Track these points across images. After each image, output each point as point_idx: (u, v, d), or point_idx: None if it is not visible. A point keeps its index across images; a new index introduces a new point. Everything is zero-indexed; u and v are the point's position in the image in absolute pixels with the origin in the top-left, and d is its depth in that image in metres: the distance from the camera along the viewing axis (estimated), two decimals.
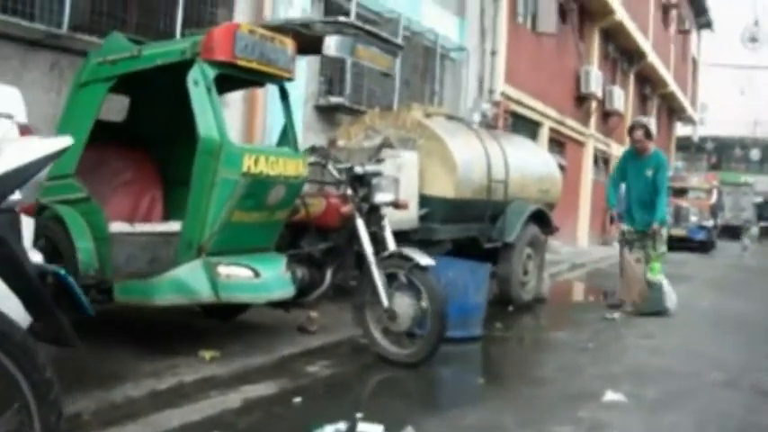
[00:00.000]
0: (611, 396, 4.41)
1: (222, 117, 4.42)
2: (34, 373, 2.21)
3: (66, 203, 4.67)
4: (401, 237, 6.74)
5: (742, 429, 4.14)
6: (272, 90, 7.67)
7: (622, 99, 19.39)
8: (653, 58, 21.50)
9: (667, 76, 24.20)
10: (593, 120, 18.23)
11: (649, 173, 7.87)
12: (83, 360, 4.24)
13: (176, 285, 4.47)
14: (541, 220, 8.22)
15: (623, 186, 8.42)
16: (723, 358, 5.76)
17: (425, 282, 4.85)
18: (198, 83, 4.40)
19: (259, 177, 4.43)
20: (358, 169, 5.19)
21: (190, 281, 4.45)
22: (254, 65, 4.55)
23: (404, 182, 6.60)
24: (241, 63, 4.47)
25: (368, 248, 5.06)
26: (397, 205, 5.47)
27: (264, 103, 7.64)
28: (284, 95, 5.02)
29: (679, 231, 20.89)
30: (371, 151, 6.49)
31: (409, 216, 6.75)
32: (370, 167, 5.26)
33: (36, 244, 4.71)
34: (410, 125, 7.15)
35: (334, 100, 8.60)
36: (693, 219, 21.13)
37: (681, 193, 23.27)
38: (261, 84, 5.17)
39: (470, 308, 5.97)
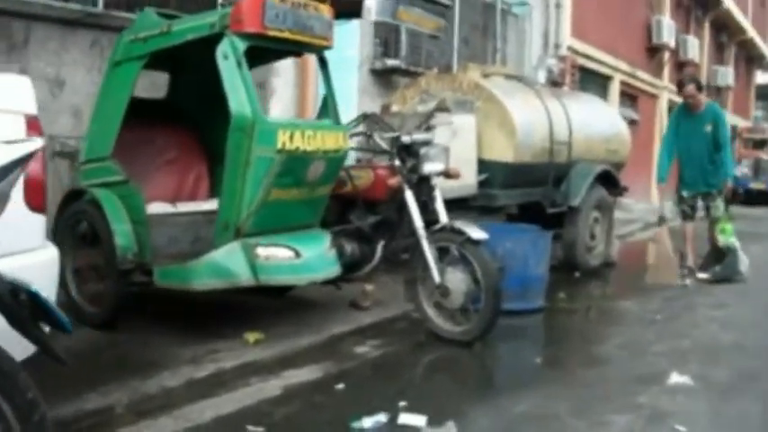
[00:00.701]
0: (676, 378, 3.98)
1: (254, 91, 4.10)
2: (16, 396, 1.98)
3: (105, 186, 4.46)
4: (460, 204, 6.42)
5: None
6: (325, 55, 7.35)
7: (697, 48, 18.24)
8: (729, 3, 20.10)
9: (745, 22, 22.64)
10: (667, 71, 17.21)
11: (708, 128, 7.19)
12: (123, 347, 4.10)
13: (214, 269, 4.22)
14: (609, 181, 7.67)
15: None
16: None
17: (478, 256, 4.48)
18: (228, 57, 4.08)
19: (295, 153, 4.11)
20: (405, 138, 4.81)
21: (228, 264, 4.19)
22: (286, 35, 4.19)
23: (460, 147, 6.24)
24: (272, 33, 4.12)
25: (418, 222, 4.71)
26: (448, 175, 5.08)
27: (317, 70, 7.28)
28: (323, 65, 4.66)
29: (759, 185, 19.79)
30: (423, 117, 6.08)
31: (468, 182, 6.36)
32: (419, 136, 4.87)
33: (77, 229, 4.65)
34: (467, 87, 6.70)
35: (391, 63, 8.16)
36: None
37: (761, 144, 22.02)
38: (299, 54, 4.81)
39: (531, 279, 5.56)
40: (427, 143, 4.84)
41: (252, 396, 3.71)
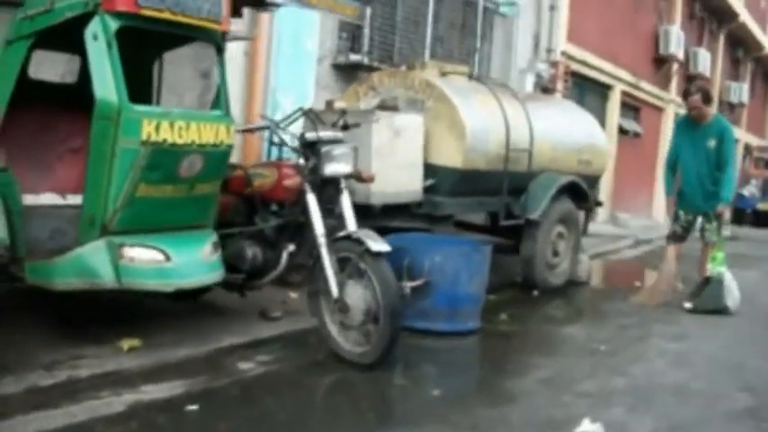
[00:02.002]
0: (586, 427, 3.37)
1: (122, 77, 3.59)
2: None
3: None
4: (403, 210, 5.87)
5: None
6: (277, 43, 6.84)
7: (708, 61, 17.46)
8: (746, 17, 19.28)
9: (763, 37, 21.76)
10: (675, 84, 16.46)
11: (712, 143, 6.51)
12: None
13: (77, 267, 3.76)
14: (578, 193, 7.05)
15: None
16: (762, 374, 4.60)
17: (377, 271, 3.94)
18: (97, 37, 3.60)
19: (162, 146, 3.60)
20: (309, 135, 4.26)
21: (91, 263, 3.73)
22: (166, 15, 3.65)
23: (403, 149, 5.71)
24: (148, 13, 3.59)
25: (318, 228, 4.17)
26: (360, 178, 4.54)
27: (267, 58, 6.77)
28: (219, 51, 4.12)
29: (767, 206, 18.98)
30: (360, 114, 5.52)
31: (412, 188, 5.83)
32: (325, 133, 4.31)
33: None
34: (418, 85, 6.12)
35: (354, 58, 7.62)
36: None
37: None
38: (193, 39, 4.27)
39: (462, 298, 4.98)
40: (335, 142, 4.28)
41: (91, 412, 3.24)
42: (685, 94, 6.75)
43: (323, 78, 7.46)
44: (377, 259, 3.94)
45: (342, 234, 4.14)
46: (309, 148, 4.26)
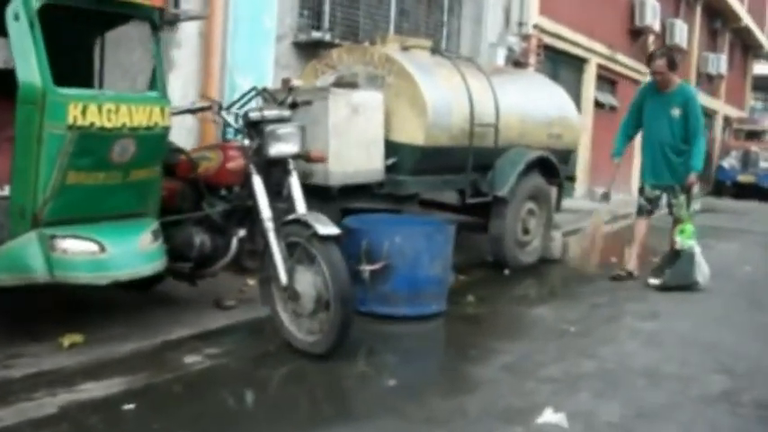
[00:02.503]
0: (548, 417, 3.21)
1: (46, 59, 3.35)
2: None
3: None
4: (365, 191, 5.67)
5: None
6: (234, 22, 6.57)
7: (686, 33, 17.26)
8: None
9: (741, 9, 21.56)
10: None
11: (676, 112, 6.26)
12: None
13: (8, 262, 3.55)
14: (548, 168, 6.86)
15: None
16: (737, 354, 4.44)
17: (326, 255, 3.74)
18: (18, 17, 3.35)
19: (90, 131, 3.37)
20: (253, 115, 4.03)
21: (23, 256, 3.52)
22: None
23: (363, 127, 5.50)
24: None
25: (265, 212, 3.97)
26: (309, 158, 4.33)
27: (223, 38, 6.50)
28: (154, 28, 3.87)
29: (747, 177, 18.93)
30: (315, 92, 5.29)
31: (373, 167, 5.62)
32: (270, 113, 4.08)
33: None
34: (378, 60, 5.89)
35: (317, 35, 7.35)
36: (764, 164, 18.97)
37: (752, 135, 21.09)
38: (128, 17, 4.03)
39: (423, 280, 4.78)
40: (281, 121, 4.05)
41: (20, 414, 3.03)
42: (649, 59, 6.47)
43: (283, 57, 7.20)
44: (325, 243, 3.74)
45: (290, 218, 3.93)
46: (254, 129, 4.03)
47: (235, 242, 4.31)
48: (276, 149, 3.97)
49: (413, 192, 5.87)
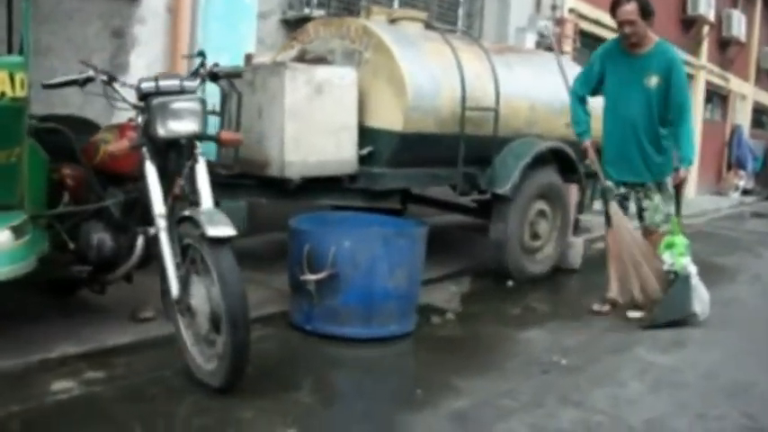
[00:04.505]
0: None
1: None
2: None
3: None
4: (332, 185, 4.75)
5: None
6: (207, 0, 5.72)
7: (744, 26, 15.75)
8: None
9: None
10: (705, 48, 14.84)
11: (653, 81, 4.41)
12: None
13: None
14: (565, 163, 5.79)
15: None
16: None
17: (216, 263, 2.83)
18: None
19: None
20: (145, 85, 3.11)
21: None
22: None
23: (330, 109, 4.55)
24: None
25: (157, 206, 3.08)
26: (218, 141, 3.42)
27: (193, 14, 5.64)
28: None
29: None
30: (269, 68, 4.39)
31: (343, 157, 4.67)
32: (168, 81, 3.15)
33: None
34: (354, 33, 4.94)
35: (307, 12, 6.42)
36: None
37: None
38: None
39: (380, 295, 3.80)
40: (181, 92, 3.13)
41: None
42: (615, 3, 4.46)
43: (269, 36, 6.29)
44: (216, 248, 2.82)
45: (186, 214, 3.02)
46: (146, 103, 3.13)
47: (141, 242, 3.44)
48: (166, 128, 3.04)
49: (392, 186, 4.90)
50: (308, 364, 3.54)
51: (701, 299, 4.52)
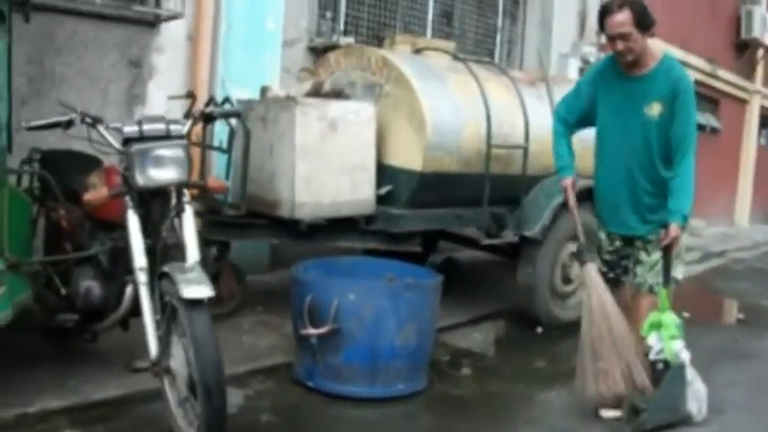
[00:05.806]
0: None
1: None
2: None
3: None
4: (348, 227, 4.49)
5: None
6: (227, 23, 5.55)
7: None
8: None
9: None
10: (761, 72, 14.21)
11: (654, 110, 3.47)
12: None
13: None
14: None
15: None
16: None
17: (191, 326, 2.57)
18: None
19: None
20: (129, 130, 2.90)
21: None
22: None
23: (343, 147, 4.30)
24: None
25: (137, 258, 2.85)
26: (203, 187, 3.19)
27: (213, 42, 5.49)
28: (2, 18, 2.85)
29: None
30: (279, 103, 4.15)
31: (361, 197, 4.41)
32: (153, 125, 2.92)
33: None
34: (375, 65, 4.68)
35: (339, 40, 6.21)
36: None
37: None
38: None
39: (387, 352, 3.50)
40: (167, 137, 2.90)
41: None
42: (603, 13, 3.47)
43: (296, 65, 6.07)
44: (191, 309, 2.57)
45: (166, 269, 2.78)
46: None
47: (130, 291, 3.22)
48: (146, 177, 2.82)
49: (411, 228, 4.60)
50: (307, 425, 3.27)
51: (696, 396, 3.48)
